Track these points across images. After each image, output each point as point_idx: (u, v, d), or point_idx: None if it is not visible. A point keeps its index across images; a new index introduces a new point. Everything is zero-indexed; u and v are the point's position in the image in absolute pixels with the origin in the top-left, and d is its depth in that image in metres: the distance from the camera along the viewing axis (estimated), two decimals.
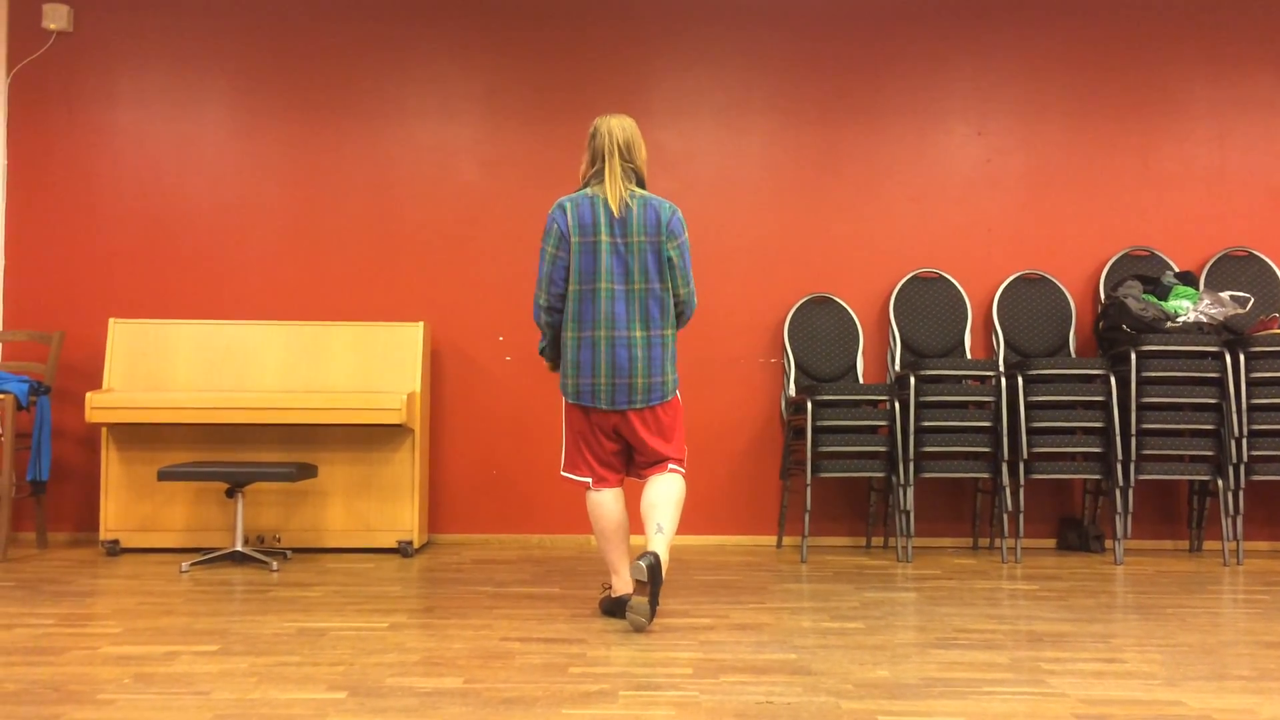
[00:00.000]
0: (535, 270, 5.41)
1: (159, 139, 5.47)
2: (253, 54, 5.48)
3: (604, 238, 3.49)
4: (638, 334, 3.50)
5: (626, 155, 3.55)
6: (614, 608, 3.60)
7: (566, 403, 3.64)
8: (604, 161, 3.55)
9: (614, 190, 3.51)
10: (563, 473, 3.70)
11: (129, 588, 4.12)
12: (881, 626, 3.49)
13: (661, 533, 3.44)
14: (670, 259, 3.54)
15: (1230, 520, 4.89)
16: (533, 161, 5.49)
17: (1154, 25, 5.52)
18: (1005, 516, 4.93)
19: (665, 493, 3.52)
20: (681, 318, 3.66)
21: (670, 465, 3.60)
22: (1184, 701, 2.66)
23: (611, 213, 3.50)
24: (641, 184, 3.60)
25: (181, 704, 2.58)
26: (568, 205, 3.54)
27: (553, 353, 3.71)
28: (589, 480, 3.63)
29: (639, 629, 3.40)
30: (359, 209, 5.47)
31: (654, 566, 3.31)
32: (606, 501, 3.60)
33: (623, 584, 3.59)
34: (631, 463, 3.71)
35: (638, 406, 3.52)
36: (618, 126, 3.55)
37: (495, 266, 5.46)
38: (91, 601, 3.84)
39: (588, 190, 3.57)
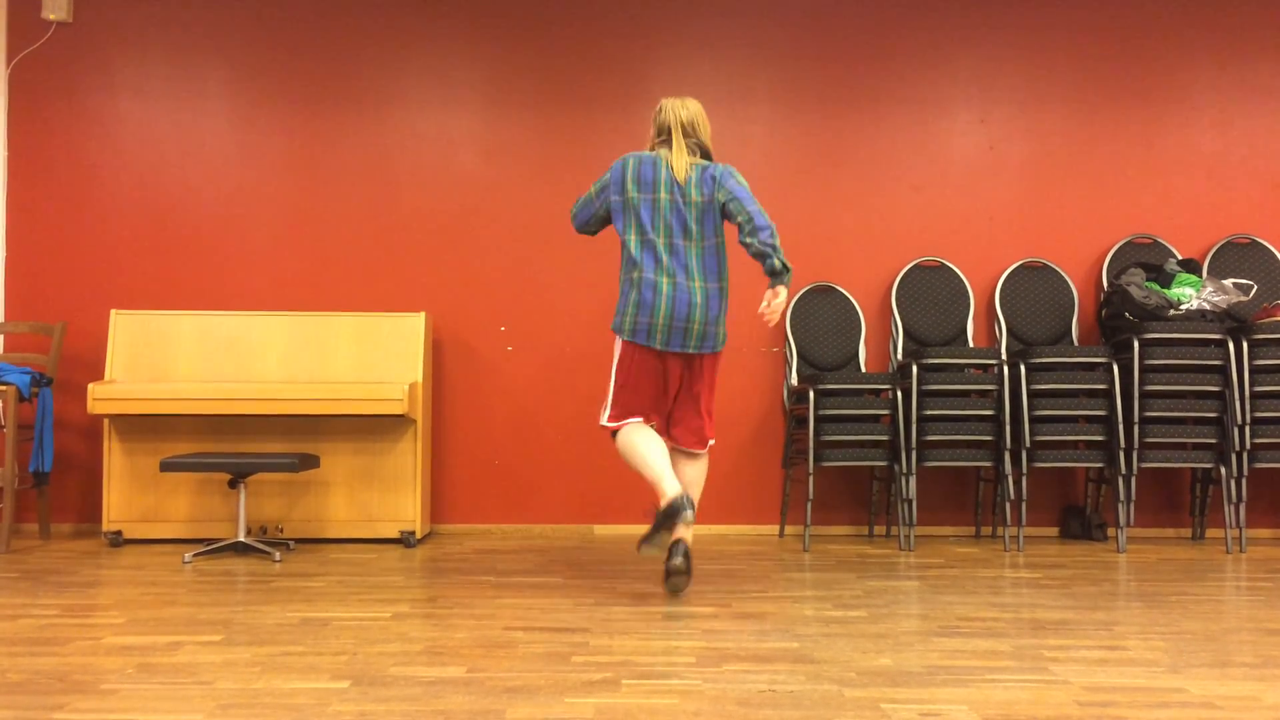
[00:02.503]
0: (536, 262, 5.42)
1: (160, 129, 5.46)
2: (254, 44, 5.47)
3: (663, 195, 3.65)
4: (697, 284, 3.66)
5: (690, 131, 3.72)
6: (661, 518, 3.52)
7: (620, 346, 3.75)
8: (669, 134, 3.73)
9: (679, 160, 3.67)
10: (605, 423, 3.80)
11: (132, 578, 4.13)
12: (884, 615, 3.49)
13: (691, 507, 3.65)
14: (725, 203, 3.65)
15: (1233, 508, 4.89)
16: (535, 151, 5.48)
17: (1156, 12, 5.50)
18: (1008, 505, 4.93)
19: (695, 475, 3.87)
20: (763, 233, 3.56)
21: (697, 450, 3.85)
22: (1187, 688, 2.66)
23: (674, 174, 3.66)
24: (708, 157, 3.77)
25: (185, 694, 2.58)
26: (630, 160, 3.72)
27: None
28: (639, 419, 3.76)
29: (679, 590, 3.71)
30: (361, 199, 5.46)
31: (688, 556, 3.65)
32: (647, 430, 3.72)
33: (669, 490, 3.53)
34: (670, 422, 3.85)
35: (690, 351, 3.68)
36: (680, 105, 3.75)
37: (497, 256, 5.45)
38: (95, 592, 3.85)
39: (653, 151, 3.75)
